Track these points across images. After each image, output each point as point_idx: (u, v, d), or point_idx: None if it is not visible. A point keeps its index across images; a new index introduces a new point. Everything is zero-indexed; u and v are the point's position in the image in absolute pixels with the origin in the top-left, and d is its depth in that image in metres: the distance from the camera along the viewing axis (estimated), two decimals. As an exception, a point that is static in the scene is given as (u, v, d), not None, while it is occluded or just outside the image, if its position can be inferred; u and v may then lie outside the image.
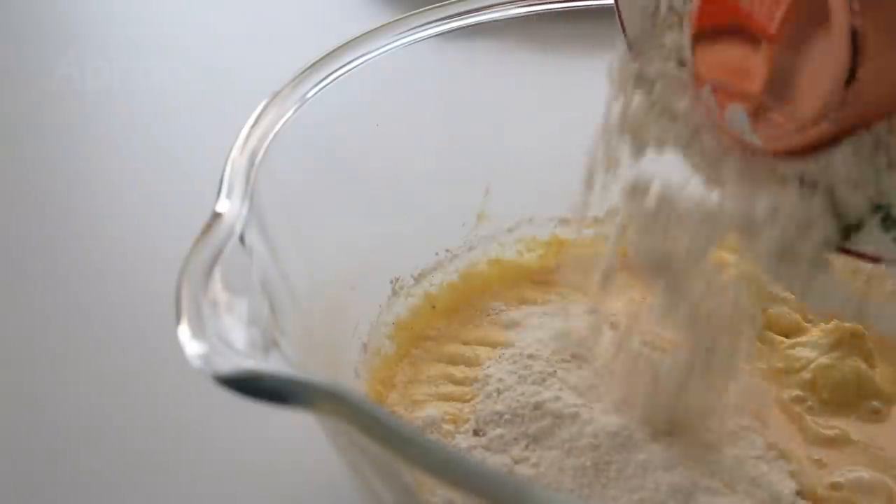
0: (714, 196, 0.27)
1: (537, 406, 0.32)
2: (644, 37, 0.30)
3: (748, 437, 0.31)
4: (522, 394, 0.32)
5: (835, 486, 0.31)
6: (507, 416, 0.32)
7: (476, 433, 0.32)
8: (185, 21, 0.68)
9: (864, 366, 0.35)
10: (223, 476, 0.36)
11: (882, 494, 0.31)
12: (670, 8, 0.29)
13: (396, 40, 0.37)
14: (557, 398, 0.32)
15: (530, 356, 0.35)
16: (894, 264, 0.26)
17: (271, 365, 0.23)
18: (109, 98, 0.58)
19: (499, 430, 0.32)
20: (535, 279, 0.41)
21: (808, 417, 0.33)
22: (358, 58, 0.36)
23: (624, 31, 0.30)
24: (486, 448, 0.31)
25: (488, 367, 0.35)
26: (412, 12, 0.38)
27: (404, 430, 0.21)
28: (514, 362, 0.35)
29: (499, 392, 0.33)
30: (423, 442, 0.21)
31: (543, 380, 0.33)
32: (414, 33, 0.38)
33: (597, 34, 0.43)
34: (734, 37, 0.25)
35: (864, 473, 0.31)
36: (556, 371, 0.34)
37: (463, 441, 0.32)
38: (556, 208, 0.43)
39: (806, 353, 0.36)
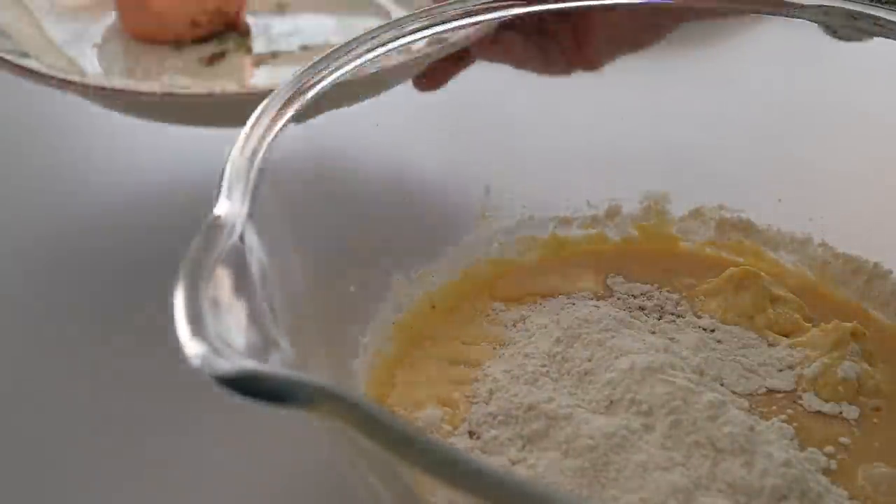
0: None
1: (531, 407, 0.32)
2: None
3: (749, 436, 0.31)
4: (515, 394, 0.32)
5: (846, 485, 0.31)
6: (500, 418, 0.32)
7: (471, 435, 0.32)
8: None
9: (864, 366, 0.35)
10: (223, 476, 0.36)
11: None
12: None
13: (396, 40, 0.37)
14: (551, 399, 0.32)
15: (526, 355, 0.34)
16: None
17: (271, 365, 0.23)
18: (109, 98, 0.58)
19: (493, 432, 0.31)
20: (534, 279, 0.41)
21: (808, 416, 0.33)
22: (358, 58, 0.36)
23: None
24: (483, 450, 0.31)
25: (488, 367, 0.35)
26: (412, 12, 0.38)
27: (404, 430, 0.21)
28: (509, 361, 0.34)
29: (491, 392, 0.33)
30: (423, 442, 0.21)
31: (536, 379, 0.33)
32: (414, 33, 0.38)
33: (597, 34, 0.43)
34: None
35: (884, 468, 0.31)
36: (549, 371, 0.34)
37: (459, 443, 0.32)
38: (556, 208, 0.43)
39: (806, 352, 0.36)
